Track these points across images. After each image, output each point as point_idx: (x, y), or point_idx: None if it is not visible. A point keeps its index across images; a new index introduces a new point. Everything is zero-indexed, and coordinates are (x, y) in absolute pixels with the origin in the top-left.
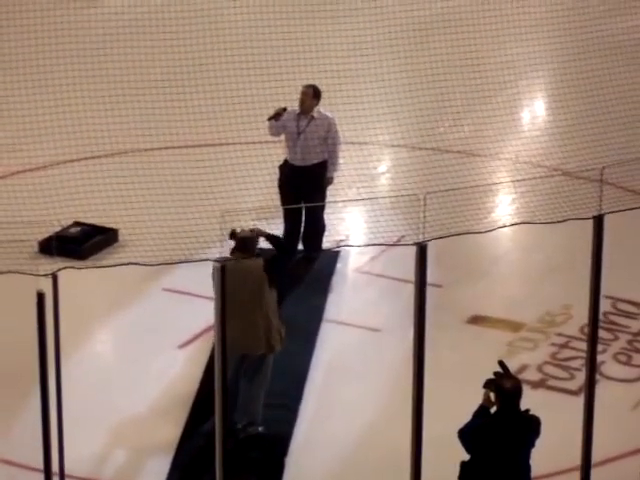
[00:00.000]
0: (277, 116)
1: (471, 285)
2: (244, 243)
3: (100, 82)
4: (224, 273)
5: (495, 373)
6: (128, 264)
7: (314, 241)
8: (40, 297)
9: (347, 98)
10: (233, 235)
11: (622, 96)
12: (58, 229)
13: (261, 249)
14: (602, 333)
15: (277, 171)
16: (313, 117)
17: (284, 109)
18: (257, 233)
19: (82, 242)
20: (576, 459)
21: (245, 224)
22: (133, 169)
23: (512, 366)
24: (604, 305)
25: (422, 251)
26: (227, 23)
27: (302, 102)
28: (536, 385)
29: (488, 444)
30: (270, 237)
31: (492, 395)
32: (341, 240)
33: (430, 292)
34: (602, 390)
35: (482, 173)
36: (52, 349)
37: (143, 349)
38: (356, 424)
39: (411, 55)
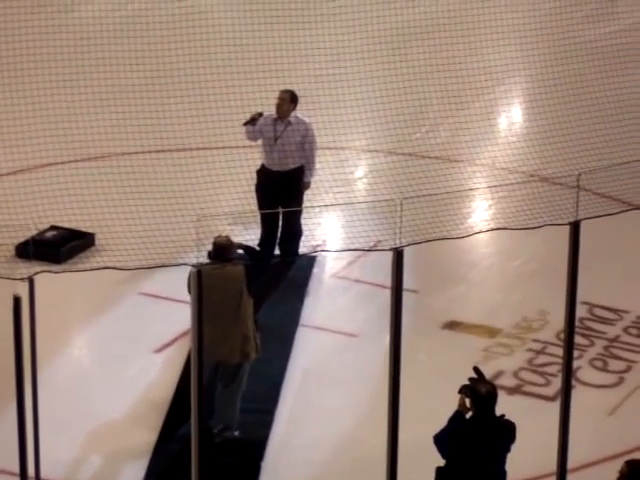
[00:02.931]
0: (253, 121)
1: (447, 291)
2: (220, 249)
3: (77, 86)
4: (200, 278)
5: (470, 379)
6: (105, 268)
7: (291, 246)
8: (16, 301)
9: (324, 103)
10: (210, 255)
11: (599, 102)
12: (35, 233)
13: (239, 255)
14: (578, 339)
15: (254, 176)
16: (290, 122)
17: (260, 114)
18: (233, 244)
19: (59, 246)
20: (552, 465)
21: (222, 228)
22: (110, 173)
23: (488, 372)
24: (580, 311)
25: (398, 256)
26: (205, 28)
27: (279, 107)
28: (512, 391)
29: (463, 449)
30: (245, 248)
31: (467, 401)
32: (318, 245)
33: (406, 297)
34: (578, 396)
35: (459, 179)
36: (28, 353)
37: (119, 353)
38: (332, 429)
39: (388, 61)
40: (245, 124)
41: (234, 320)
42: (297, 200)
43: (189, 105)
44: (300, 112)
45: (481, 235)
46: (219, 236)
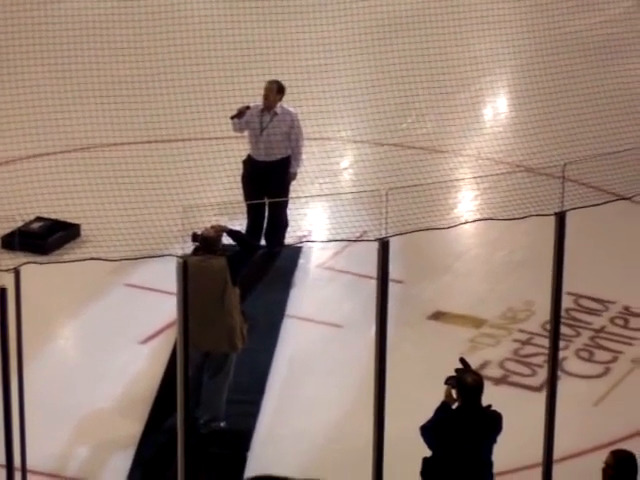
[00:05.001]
0: (240, 115)
1: (433, 281)
2: (207, 242)
3: (62, 77)
4: (186, 269)
5: (456, 369)
6: (90, 259)
7: (276, 237)
8: (2, 292)
9: (310, 94)
10: (195, 237)
11: (585, 93)
12: (20, 224)
13: (224, 246)
14: (564, 329)
15: (240, 166)
16: (276, 113)
17: (247, 107)
18: (219, 230)
19: (44, 237)
20: (538, 455)
21: (207, 219)
22: (95, 164)
23: (474, 362)
24: (566, 301)
25: (384, 247)
26: (191, 19)
27: (265, 97)
28: (498, 381)
29: (450, 440)
30: (232, 233)
31: (454, 391)
32: (303, 236)
33: (392, 288)
34: (564, 386)
35: (445, 169)
36: (14, 344)
37: (105, 345)
38: (318, 419)
39: (375, 51)
40: (232, 117)
41: (220, 311)
42: (283, 191)
43: (175, 96)
44: (286, 103)
45: (467, 226)
46: (206, 229)
